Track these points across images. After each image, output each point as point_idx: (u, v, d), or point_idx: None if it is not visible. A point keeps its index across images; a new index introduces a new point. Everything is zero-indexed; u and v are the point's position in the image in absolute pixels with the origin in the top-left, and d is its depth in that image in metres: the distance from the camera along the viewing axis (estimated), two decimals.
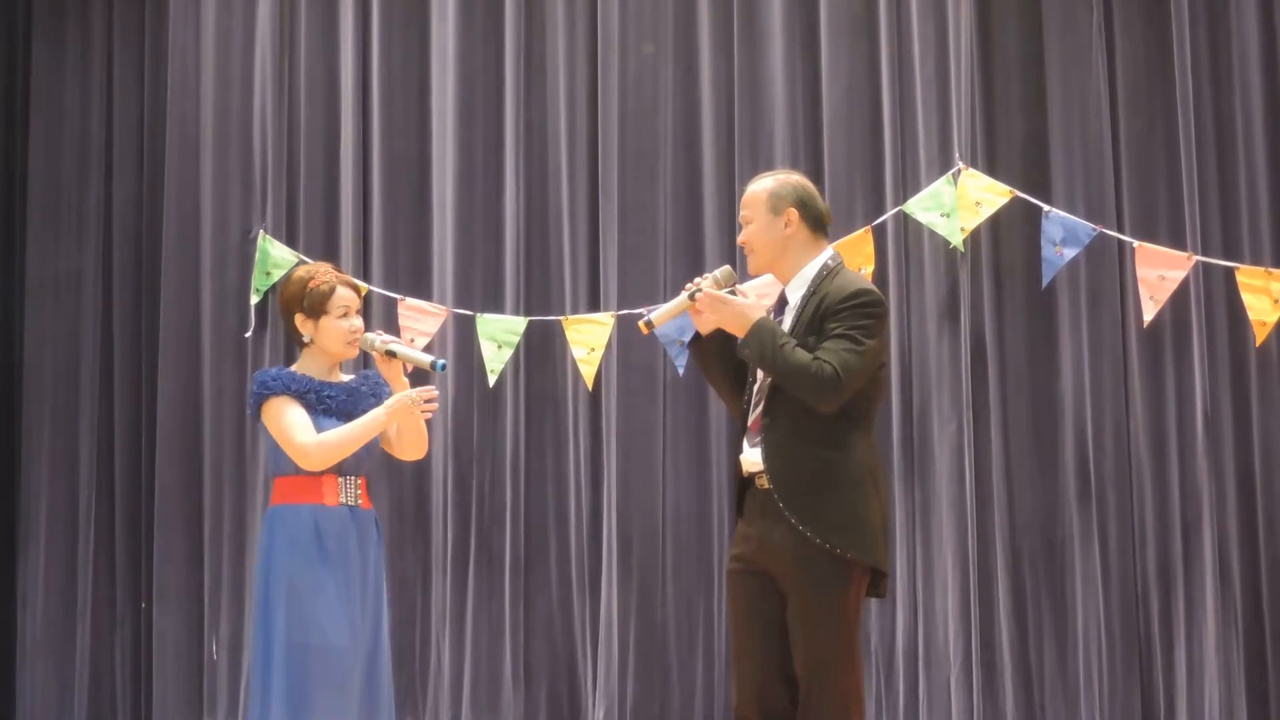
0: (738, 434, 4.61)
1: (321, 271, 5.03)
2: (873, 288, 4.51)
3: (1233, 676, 6.59)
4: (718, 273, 4.57)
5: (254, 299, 7.34)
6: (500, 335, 7.10)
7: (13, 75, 8.03)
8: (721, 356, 4.63)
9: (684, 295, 4.53)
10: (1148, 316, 6.56)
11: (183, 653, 7.34)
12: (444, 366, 4.87)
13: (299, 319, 4.98)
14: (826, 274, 4.51)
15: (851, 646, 4.38)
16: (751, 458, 4.46)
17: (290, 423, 4.88)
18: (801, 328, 4.44)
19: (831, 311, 4.40)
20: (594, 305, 7.19)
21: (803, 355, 4.35)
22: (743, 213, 4.60)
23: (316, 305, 4.95)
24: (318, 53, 7.52)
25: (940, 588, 6.77)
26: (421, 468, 7.08)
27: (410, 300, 7.18)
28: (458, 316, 7.20)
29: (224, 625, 7.24)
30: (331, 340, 4.97)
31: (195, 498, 7.40)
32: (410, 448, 5.05)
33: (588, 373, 7.02)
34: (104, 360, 7.70)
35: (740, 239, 4.61)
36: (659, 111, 7.27)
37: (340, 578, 4.84)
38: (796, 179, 4.63)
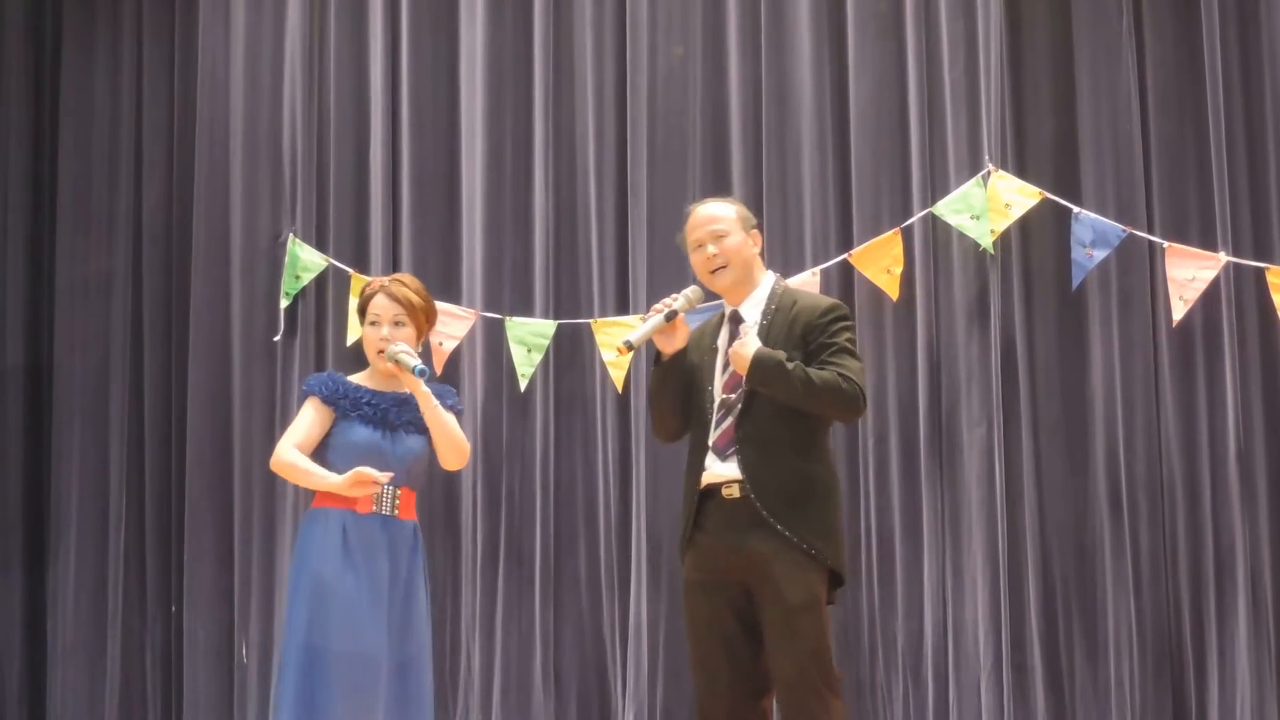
0: (695, 450, 4.72)
1: (377, 280, 5.18)
2: (839, 300, 4.85)
3: (1265, 681, 6.54)
4: (688, 292, 4.71)
5: (284, 303, 7.34)
6: (529, 339, 7.10)
7: (42, 79, 8.06)
8: (679, 376, 4.75)
9: (659, 317, 4.66)
10: (1177, 316, 6.53)
11: (213, 656, 7.35)
12: (420, 371, 4.91)
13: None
14: (782, 291, 4.73)
15: (829, 649, 4.55)
16: (722, 470, 4.59)
17: (294, 422, 5.00)
18: (777, 345, 4.60)
19: (815, 326, 4.62)
20: (623, 307, 7.18)
21: (825, 375, 4.54)
22: (715, 227, 4.75)
23: (360, 312, 5.09)
24: (347, 55, 7.53)
25: (970, 590, 6.74)
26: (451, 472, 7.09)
27: (439, 304, 7.15)
28: (487, 320, 7.20)
29: (254, 628, 7.24)
30: (366, 346, 5.06)
31: (225, 501, 7.41)
32: (446, 458, 5.07)
33: (617, 375, 7.02)
34: (134, 364, 7.72)
35: (715, 251, 4.73)
36: (687, 113, 7.25)
37: (365, 584, 4.84)
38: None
